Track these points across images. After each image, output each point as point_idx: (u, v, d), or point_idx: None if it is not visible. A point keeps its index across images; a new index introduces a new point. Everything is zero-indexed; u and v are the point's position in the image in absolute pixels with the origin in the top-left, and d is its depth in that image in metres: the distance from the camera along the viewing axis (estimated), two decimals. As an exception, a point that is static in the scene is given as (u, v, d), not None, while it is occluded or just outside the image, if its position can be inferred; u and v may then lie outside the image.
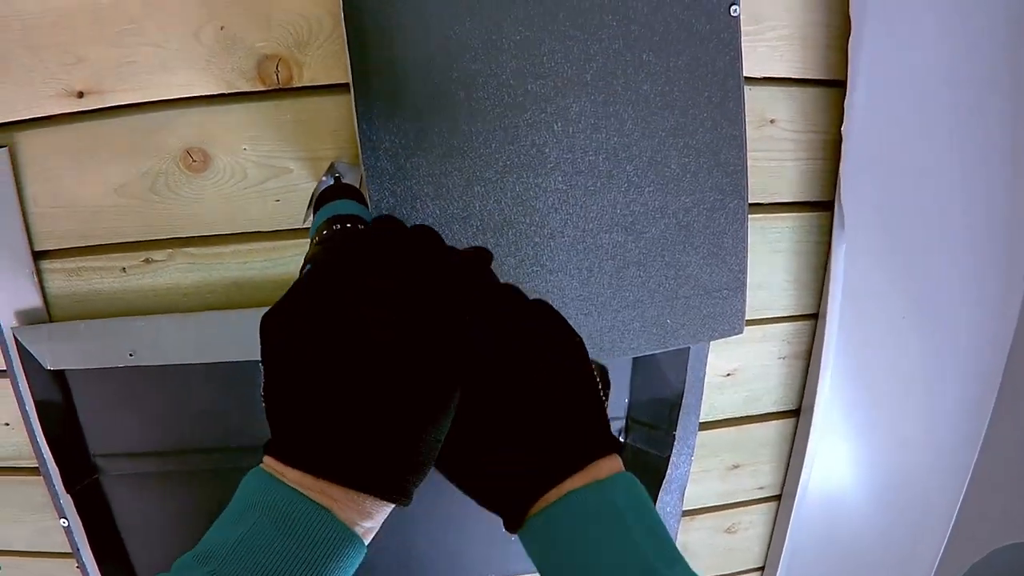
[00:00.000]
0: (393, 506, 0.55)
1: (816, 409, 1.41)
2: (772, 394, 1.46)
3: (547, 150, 1.08)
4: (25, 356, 1.15)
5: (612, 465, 0.57)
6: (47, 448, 1.19)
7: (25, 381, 1.16)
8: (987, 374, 1.44)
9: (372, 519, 0.55)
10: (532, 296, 0.65)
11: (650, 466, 1.38)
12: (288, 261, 1.18)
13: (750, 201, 1.18)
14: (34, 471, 1.24)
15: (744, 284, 1.21)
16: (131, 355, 1.14)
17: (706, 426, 1.42)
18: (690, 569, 0.53)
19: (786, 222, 1.33)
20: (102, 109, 1.09)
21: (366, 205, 0.87)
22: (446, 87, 1.03)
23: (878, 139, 1.24)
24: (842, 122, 1.24)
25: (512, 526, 0.57)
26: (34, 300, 1.16)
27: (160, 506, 1.34)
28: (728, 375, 1.41)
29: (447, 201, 1.06)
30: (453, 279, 0.61)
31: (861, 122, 1.22)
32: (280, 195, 1.14)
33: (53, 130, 1.10)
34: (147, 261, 1.15)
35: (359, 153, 1.03)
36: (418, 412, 0.54)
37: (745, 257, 1.19)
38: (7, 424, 1.24)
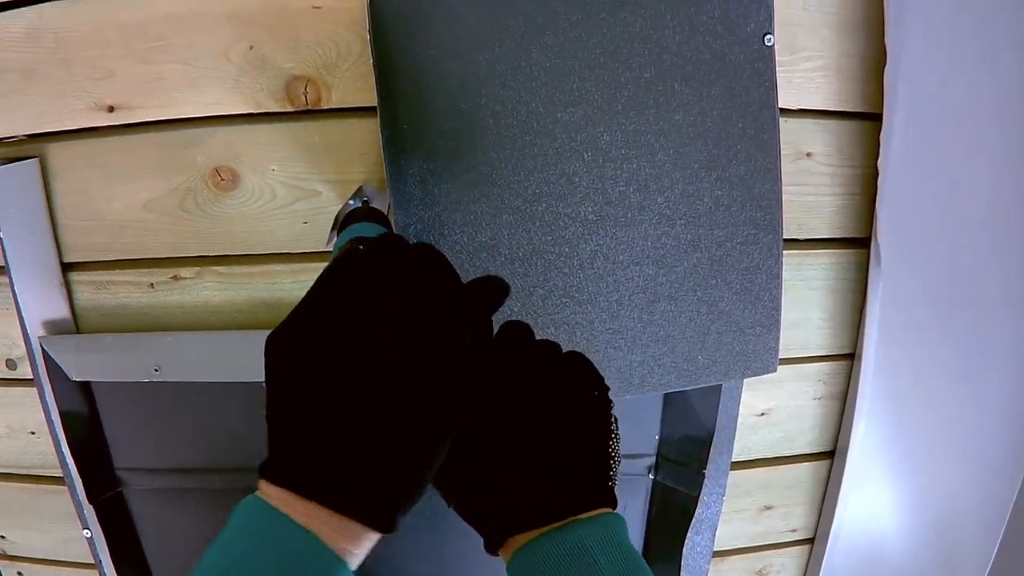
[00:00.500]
0: (379, 535, 0.53)
1: (851, 451, 1.37)
2: (807, 435, 1.42)
3: (577, 179, 1.06)
4: (51, 366, 1.16)
5: (603, 512, 0.57)
6: (71, 458, 1.20)
7: (51, 391, 1.17)
8: None
9: (358, 546, 0.52)
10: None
11: (678, 504, 1.35)
12: (315, 283, 1.17)
13: (785, 237, 1.15)
14: (59, 480, 1.25)
15: (778, 321, 1.17)
16: (156, 370, 1.15)
17: (738, 466, 1.39)
18: None
19: (822, 259, 1.29)
20: (132, 124, 1.11)
21: (391, 230, 0.87)
22: (475, 113, 1.02)
23: (915, 174, 1.21)
24: (878, 156, 1.21)
25: (492, 548, 0.57)
26: (62, 311, 1.17)
27: (183, 523, 1.34)
28: (762, 414, 1.38)
29: (475, 229, 1.05)
30: (458, 302, 0.57)
31: (897, 156, 1.19)
32: (308, 217, 1.14)
33: (83, 143, 1.12)
34: (175, 278, 1.16)
35: (386, 177, 1.03)
36: (419, 438, 0.53)
37: (779, 293, 1.16)
38: (33, 433, 1.26)
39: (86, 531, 1.24)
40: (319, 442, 0.51)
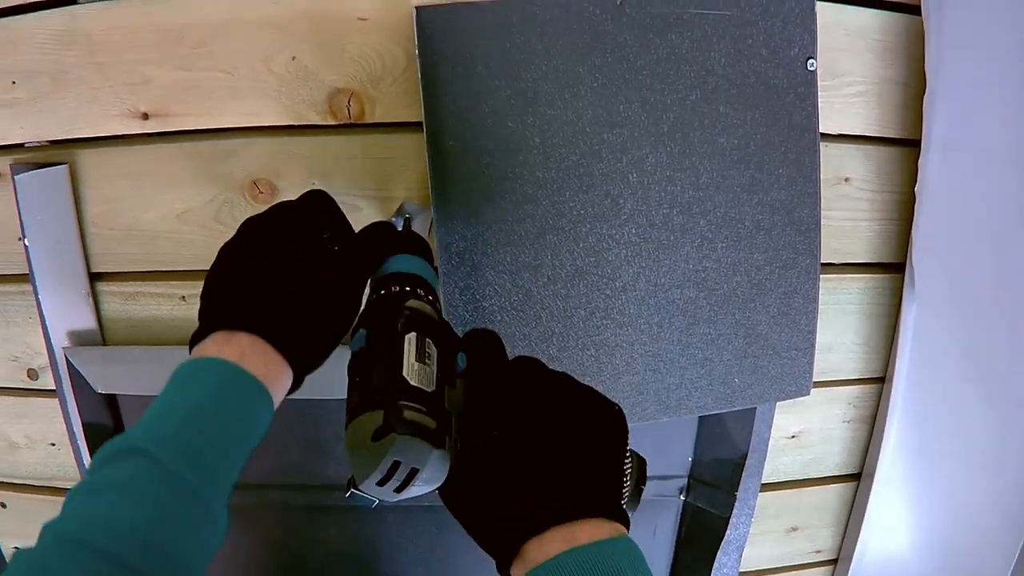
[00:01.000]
0: (289, 384, 0.70)
1: (878, 473, 1.37)
2: (835, 457, 1.42)
3: (622, 201, 1.05)
4: (76, 377, 1.14)
5: (616, 529, 0.56)
6: (94, 473, 1.17)
7: (74, 402, 1.15)
8: None
9: (277, 383, 0.67)
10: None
11: (709, 526, 1.35)
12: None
13: (822, 261, 1.15)
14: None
15: (813, 345, 1.17)
16: (185, 385, 1.13)
17: (767, 487, 1.38)
18: None
19: (857, 283, 1.29)
20: (167, 133, 1.08)
21: (430, 257, 0.86)
22: (521, 132, 1.01)
23: (951, 200, 1.21)
24: (915, 182, 1.20)
25: (504, 567, 0.58)
26: (88, 322, 1.14)
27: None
28: (793, 437, 1.38)
29: (519, 248, 1.04)
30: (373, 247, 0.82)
31: (934, 182, 1.19)
32: (348, 233, 1.11)
33: (116, 150, 1.09)
34: (207, 291, 1.14)
35: (430, 195, 1.01)
36: (330, 304, 0.73)
37: (815, 317, 1.16)
38: (53, 444, 1.23)
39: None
40: (252, 294, 0.69)
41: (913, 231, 1.22)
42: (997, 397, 1.34)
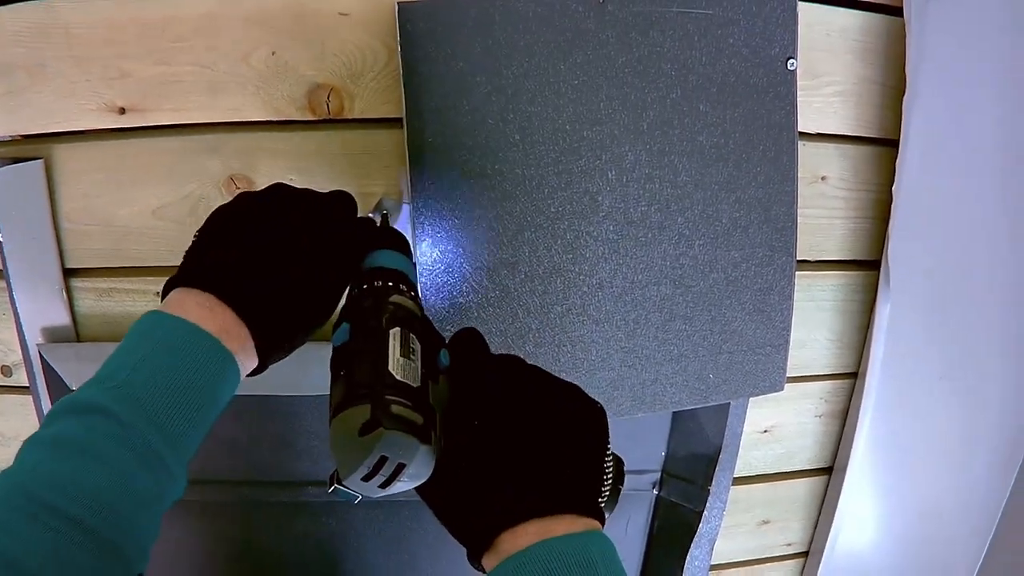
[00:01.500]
0: (252, 367, 0.69)
1: (850, 467, 1.39)
2: (807, 452, 1.44)
3: (600, 198, 1.05)
4: (50, 374, 1.12)
5: (591, 524, 0.56)
6: (67, 469, 1.16)
7: (48, 399, 1.13)
8: (1015, 443, 1.43)
9: (241, 349, 0.66)
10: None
11: (682, 520, 1.37)
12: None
13: (797, 258, 1.16)
14: (51, 490, 1.21)
15: (787, 341, 1.18)
16: (160, 381, 1.12)
17: (739, 481, 1.40)
18: None
19: (831, 280, 1.31)
20: (144, 128, 1.06)
21: (410, 253, 0.85)
22: (501, 129, 1.01)
23: (927, 200, 1.23)
24: (892, 181, 1.22)
25: (475, 557, 0.58)
26: (62, 318, 1.13)
27: (179, 534, 1.32)
28: (765, 431, 1.39)
29: (496, 246, 1.04)
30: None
31: (911, 182, 1.20)
32: (325, 228, 1.11)
33: (92, 145, 1.07)
34: (183, 287, 1.13)
35: (409, 191, 1.01)
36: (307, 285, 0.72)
37: (790, 314, 1.17)
38: (27, 441, 1.22)
39: None
40: (246, 267, 0.68)
41: (889, 230, 1.23)
42: (967, 394, 1.37)
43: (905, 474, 1.43)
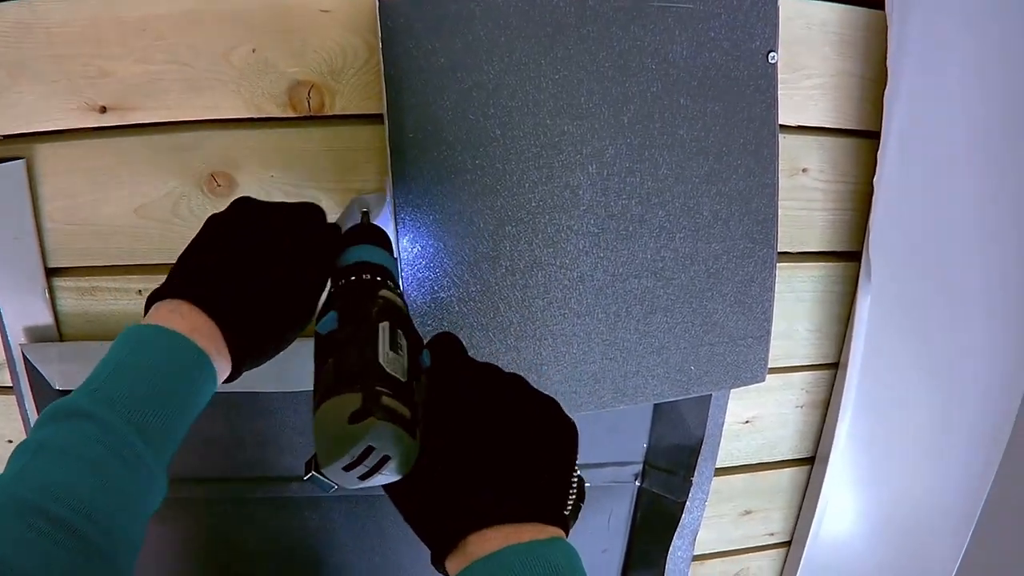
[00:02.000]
0: (228, 372, 0.71)
1: (832, 457, 1.40)
2: (788, 442, 1.45)
3: (581, 192, 1.06)
4: (33, 374, 1.12)
5: (557, 533, 0.57)
6: (51, 469, 1.16)
7: (32, 399, 1.13)
8: (996, 431, 1.44)
9: (218, 354, 0.68)
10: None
11: (665, 511, 1.37)
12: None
13: (778, 250, 1.17)
14: (35, 490, 1.21)
15: (769, 333, 1.19)
16: (144, 380, 1.11)
17: (721, 472, 1.41)
18: None
19: (811, 271, 1.32)
20: (125, 126, 1.06)
21: (391, 250, 0.86)
22: (482, 124, 1.01)
23: (908, 192, 1.23)
24: (872, 173, 1.23)
25: (439, 559, 0.58)
26: (44, 317, 1.13)
27: (164, 534, 1.32)
28: (747, 422, 1.40)
29: (477, 240, 1.04)
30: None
31: (893, 175, 1.21)
32: (307, 225, 1.11)
33: (73, 144, 1.07)
34: (165, 284, 1.13)
35: (391, 187, 1.01)
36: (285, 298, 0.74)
37: (771, 306, 1.18)
38: (10, 441, 1.21)
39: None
40: (202, 263, 0.73)
41: (870, 222, 1.24)
42: (948, 384, 1.38)
43: (886, 464, 1.44)
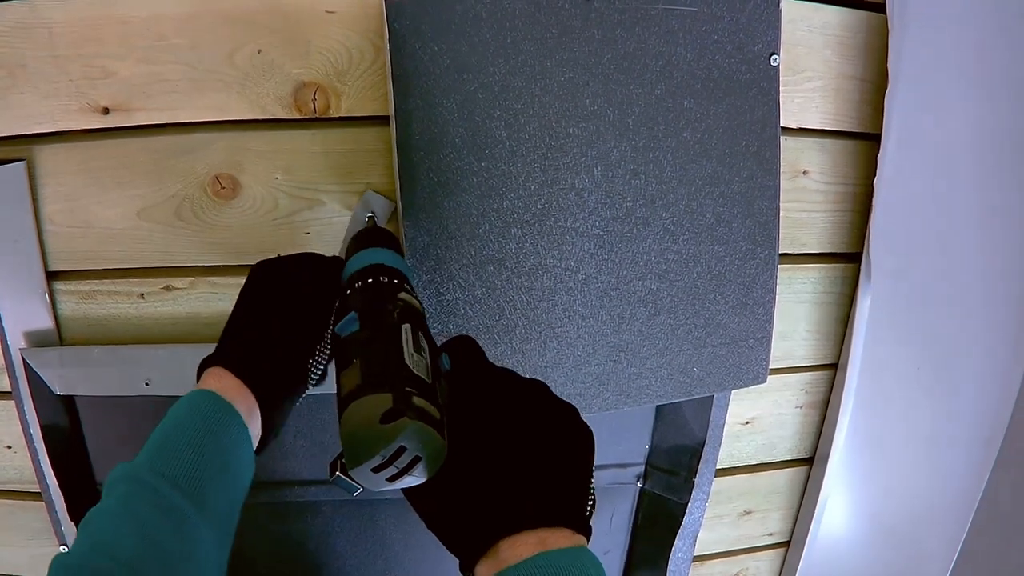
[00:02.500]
0: (265, 425, 0.74)
1: (831, 457, 1.40)
2: (787, 442, 1.45)
3: (586, 194, 1.06)
4: (33, 379, 1.11)
5: (582, 541, 0.57)
6: (51, 474, 1.15)
7: (32, 404, 1.12)
8: (992, 432, 1.46)
9: (252, 416, 0.71)
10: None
11: (667, 512, 1.38)
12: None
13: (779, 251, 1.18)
14: (35, 495, 1.20)
15: (770, 334, 1.20)
16: (147, 384, 1.11)
17: (721, 472, 1.41)
18: None
19: (811, 272, 1.32)
20: (128, 128, 1.05)
21: (402, 254, 0.86)
22: (488, 126, 1.01)
23: (908, 194, 1.24)
24: (871, 175, 1.24)
25: (469, 566, 0.57)
26: (45, 321, 1.12)
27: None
28: (747, 423, 1.41)
29: (483, 242, 1.04)
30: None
31: (893, 176, 1.22)
32: (311, 227, 1.10)
33: (75, 146, 1.06)
34: (167, 288, 1.12)
35: (396, 189, 1.01)
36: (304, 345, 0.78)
37: (772, 307, 1.19)
38: (9, 447, 1.20)
39: (63, 547, 1.19)
40: (252, 338, 0.77)
41: (871, 223, 1.25)
42: (945, 385, 1.39)
43: (884, 464, 1.45)
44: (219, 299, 1.13)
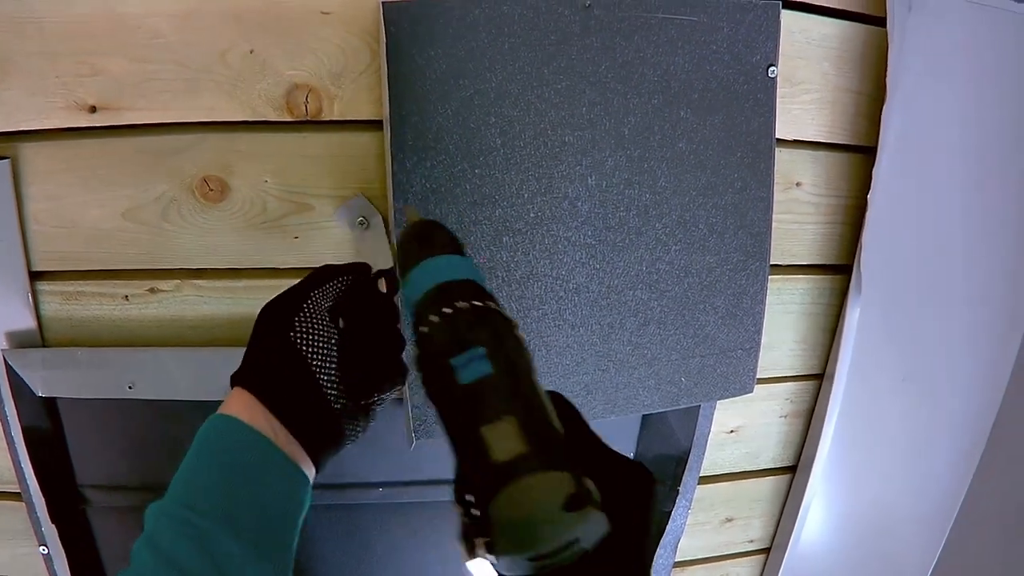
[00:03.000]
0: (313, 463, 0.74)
1: (815, 466, 1.41)
2: (771, 451, 1.46)
3: (579, 204, 1.05)
4: (14, 380, 1.09)
5: None
6: (32, 475, 1.13)
7: (13, 406, 1.09)
8: (972, 445, 1.49)
9: (301, 455, 0.71)
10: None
11: (651, 521, 1.37)
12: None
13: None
14: (14, 496, 1.18)
15: (759, 345, 1.20)
16: (130, 387, 1.09)
17: (704, 480, 1.41)
18: None
19: (800, 284, 1.32)
20: (115, 127, 1.02)
21: (462, 249, 0.72)
22: (483, 132, 1.00)
23: (901, 208, 1.25)
24: (864, 187, 1.24)
25: None
26: (27, 322, 1.09)
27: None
28: (732, 432, 1.41)
29: (474, 251, 1.03)
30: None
31: (886, 190, 1.22)
32: (300, 232, 1.08)
33: (61, 144, 1.03)
34: (152, 290, 1.10)
35: (388, 195, 0.99)
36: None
37: (762, 318, 1.19)
38: (-10, 451, 1.18)
39: (42, 548, 1.17)
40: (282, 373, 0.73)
41: (863, 236, 1.25)
42: (929, 396, 1.40)
43: (865, 473, 1.46)
44: (204, 302, 1.11)
